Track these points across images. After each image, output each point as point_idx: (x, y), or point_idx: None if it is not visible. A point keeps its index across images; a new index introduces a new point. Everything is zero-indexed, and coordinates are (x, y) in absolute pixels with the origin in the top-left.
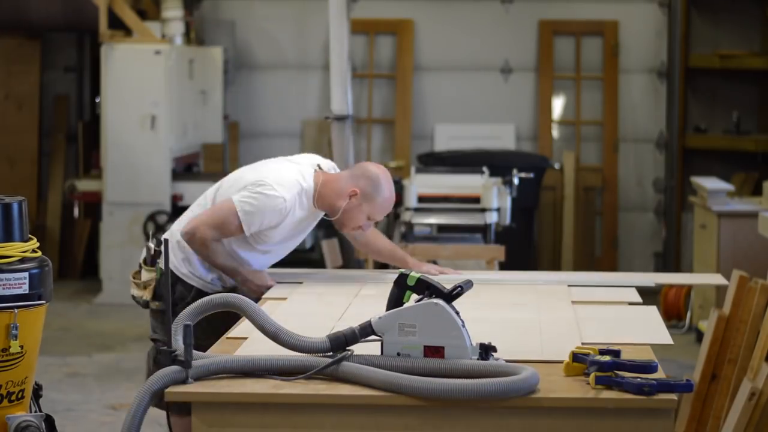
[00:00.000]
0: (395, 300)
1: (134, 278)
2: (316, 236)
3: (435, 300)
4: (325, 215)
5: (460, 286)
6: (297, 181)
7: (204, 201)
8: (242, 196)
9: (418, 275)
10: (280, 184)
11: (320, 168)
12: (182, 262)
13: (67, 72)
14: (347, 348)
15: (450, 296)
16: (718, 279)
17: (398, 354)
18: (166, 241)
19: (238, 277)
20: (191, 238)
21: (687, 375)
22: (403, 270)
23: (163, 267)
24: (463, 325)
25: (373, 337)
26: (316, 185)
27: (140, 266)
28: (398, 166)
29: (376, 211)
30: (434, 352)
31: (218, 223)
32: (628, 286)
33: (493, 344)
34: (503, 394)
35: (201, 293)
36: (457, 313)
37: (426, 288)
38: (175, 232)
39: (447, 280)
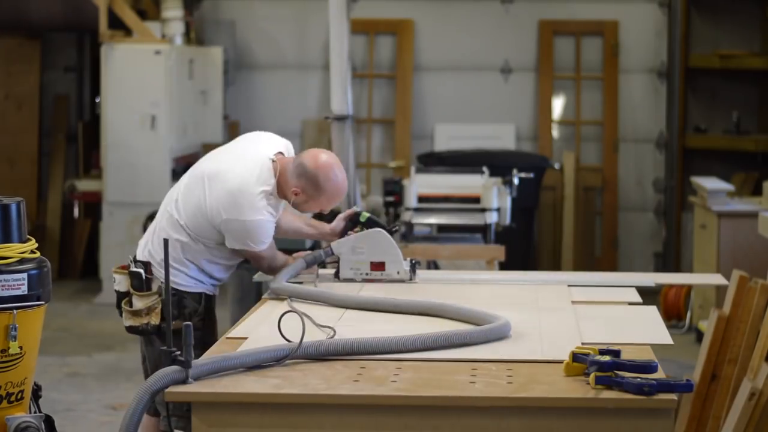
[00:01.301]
0: (349, 230)
1: (127, 308)
2: None
3: (380, 230)
4: None
5: (396, 226)
6: (262, 194)
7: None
8: (251, 236)
9: (368, 215)
10: (254, 207)
11: (280, 153)
12: (180, 275)
13: (67, 72)
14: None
15: (389, 231)
16: (718, 279)
17: (350, 268)
18: (166, 241)
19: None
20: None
21: (687, 375)
22: (356, 209)
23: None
24: (397, 248)
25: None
26: (275, 175)
27: (122, 295)
28: (398, 166)
29: (324, 205)
30: (378, 266)
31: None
32: (628, 286)
33: (418, 260)
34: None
35: (209, 298)
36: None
37: (373, 224)
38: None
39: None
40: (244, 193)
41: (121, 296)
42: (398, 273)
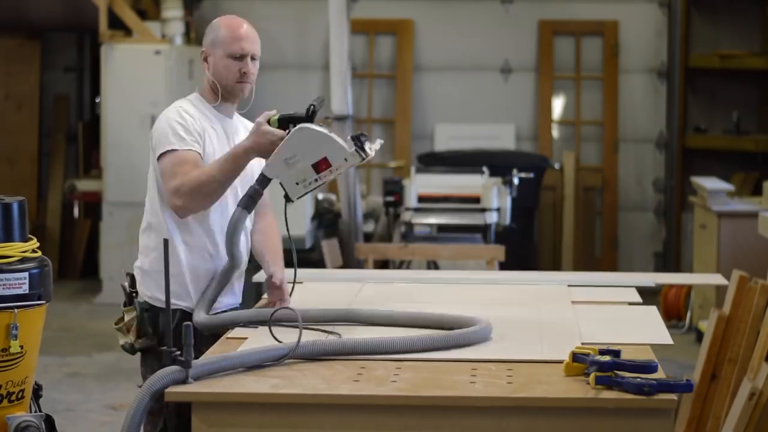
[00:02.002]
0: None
1: (118, 325)
2: (316, 236)
3: (299, 126)
4: (237, 107)
5: (312, 105)
6: (180, 101)
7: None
8: (160, 138)
9: (277, 116)
10: (170, 107)
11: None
12: (159, 290)
13: (67, 72)
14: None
15: (309, 118)
16: (718, 279)
17: (296, 183)
18: (166, 241)
19: (242, 157)
20: (178, 200)
21: (687, 375)
22: (266, 115)
23: (140, 300)
24: (330, 132)
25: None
26: (200, 91)
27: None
28: (398, 166)
29: (229, 46)
30: (323, 164)
31: (175, 171)
32: (628, 286)
33: (362, 133)
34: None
35: (185, 315)
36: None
37: (288, 121)
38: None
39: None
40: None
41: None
42: (346, 160)
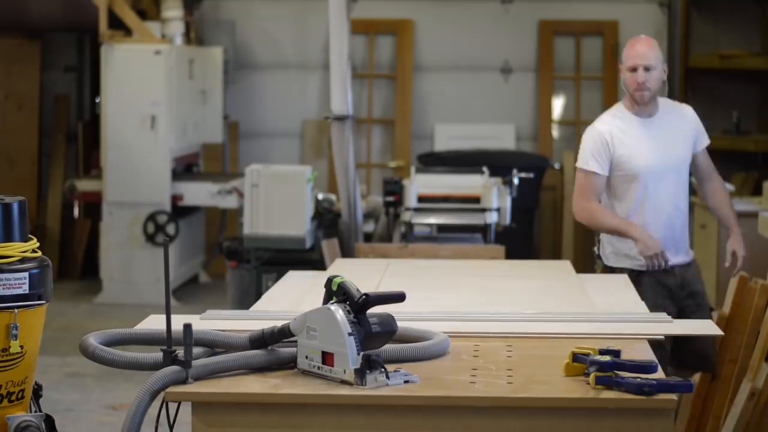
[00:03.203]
0: (324, 303)
1: None
2: (316, 236)
3: (330, 304)
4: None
5: (366, 295)
6: (606, 113)
7: None
8: (582, 150)
9: (340, 280)
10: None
11: None
12: (612, 256)
13: (67, 72)
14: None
15: (357, 304)
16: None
17: (306, 357)
18: (166, 241)
19: (629, 236)
20: (577, 214)
21: None
22: (331, 275)
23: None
24: (351, 334)
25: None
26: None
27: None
28: (398, 166)
29: (626, 62)
30: (329, 358)
31: (584, 192)
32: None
33: (379, 358)
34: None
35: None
36: (357, 321)
37: (342, 293)
38: None
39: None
40: None
41: None
42: (344, 372)
